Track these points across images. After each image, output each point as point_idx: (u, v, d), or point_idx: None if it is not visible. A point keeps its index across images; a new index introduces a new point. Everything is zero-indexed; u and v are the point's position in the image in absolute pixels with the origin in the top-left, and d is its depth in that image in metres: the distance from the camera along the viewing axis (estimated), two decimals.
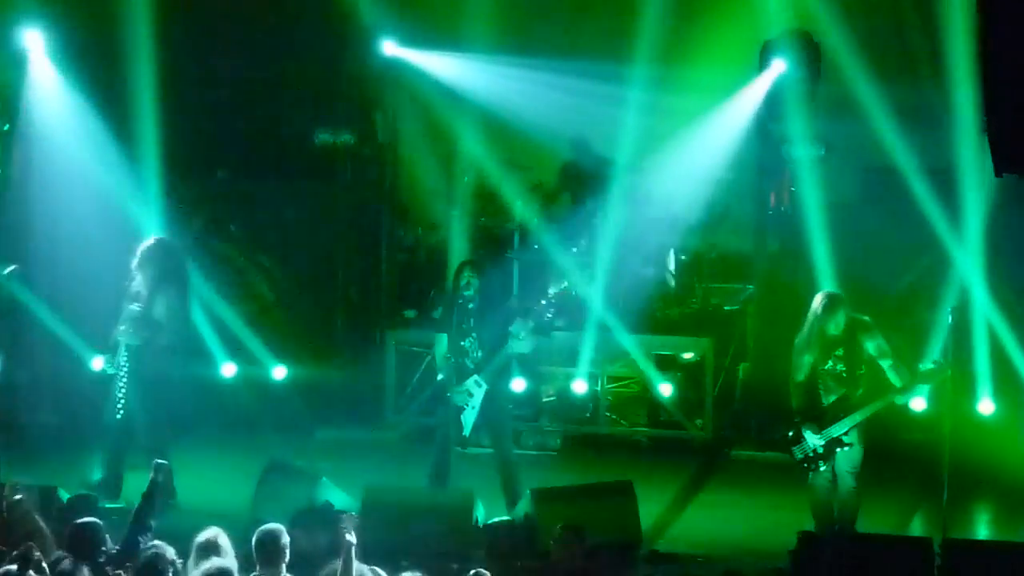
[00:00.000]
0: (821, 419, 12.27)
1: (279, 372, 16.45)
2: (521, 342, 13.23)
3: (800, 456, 12.38)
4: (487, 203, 17.51)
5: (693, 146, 17.80)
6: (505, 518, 12.85)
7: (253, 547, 9.94)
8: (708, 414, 16.25)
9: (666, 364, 16.71)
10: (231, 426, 16.00)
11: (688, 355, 16.57)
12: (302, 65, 16.94)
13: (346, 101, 16.94)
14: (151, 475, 10.45)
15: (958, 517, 13.00)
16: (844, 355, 12.27)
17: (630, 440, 16.37)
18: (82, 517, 10.79)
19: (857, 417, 12.20)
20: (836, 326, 12.26)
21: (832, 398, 12.30)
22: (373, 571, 9.68)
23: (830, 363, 12.29)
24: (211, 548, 9.93)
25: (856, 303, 15.74)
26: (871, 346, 12.26)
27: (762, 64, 16.38)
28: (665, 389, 16.05)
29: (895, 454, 13.59)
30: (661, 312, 16.82)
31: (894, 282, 15.63)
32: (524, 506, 12.87)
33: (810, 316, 12.45)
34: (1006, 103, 9.86)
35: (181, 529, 11.17)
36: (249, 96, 16.94)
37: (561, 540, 10.79)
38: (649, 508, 13.40)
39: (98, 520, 10.21)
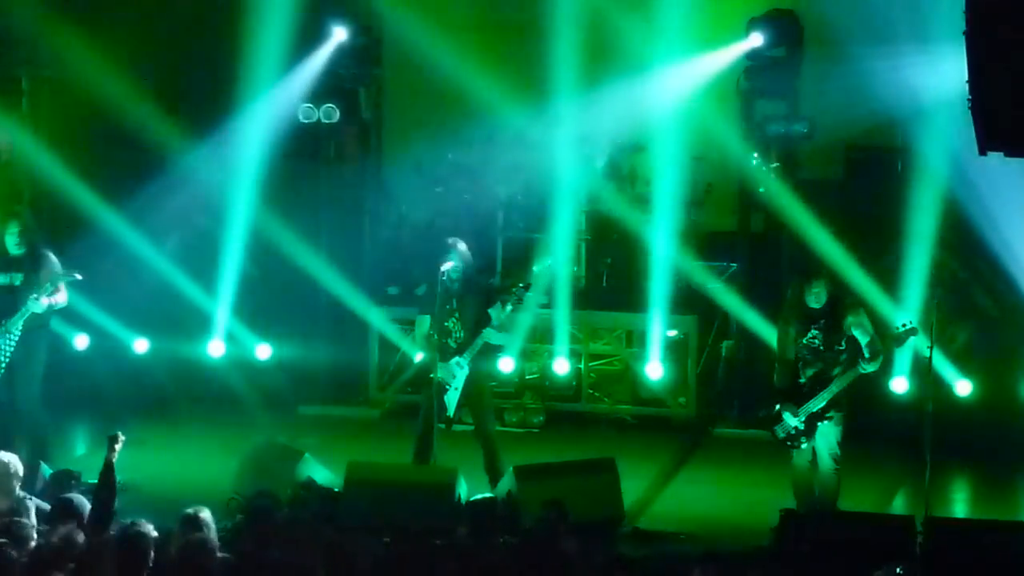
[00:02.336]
0: (799, 397, 12.29)
1: (263, 351, 16.42)
2: (502, 325, 13.25)
3: (782, 435, 12.39)
4: (471, 180, 17.48)
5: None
6: (488, 495, 12.86)
7: (243, 517, 9.98)
8: (691, 392, 16.27)
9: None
10: (215, 403, 16.00)
11: (671, 333, 16.57)
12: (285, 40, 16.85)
13: (331, 77, 16.86)
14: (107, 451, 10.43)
15: (940, 495, 13.07)
16: (823, 329, 12.27)
17: (613, 417, 16.37)
18: (65, 492, 10.82)
19: (833, 389, 12.22)
20: (816, 299, 12.26)
21: (810, 372, 12.32)
22: None
23: (807, 337, 12.30)
24: (194, 524, 9.94)
25: (838, 280, 15.87)
26: (851, 323, 12.27)
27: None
28: (653, 371, 15.99)
29: (878, 434, 13.55)
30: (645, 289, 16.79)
31: (877, 260, 15.62)
32: (506, 483, 12.88)
33: (789, 292, 12.45)
34: (992, 80, 9.86)
35: (165, 505, 11.21)
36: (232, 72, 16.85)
37: (542, 517, 10.79)
38: (631, 485, 13.41)
39: (80, 496, 10.22)
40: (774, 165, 16.35)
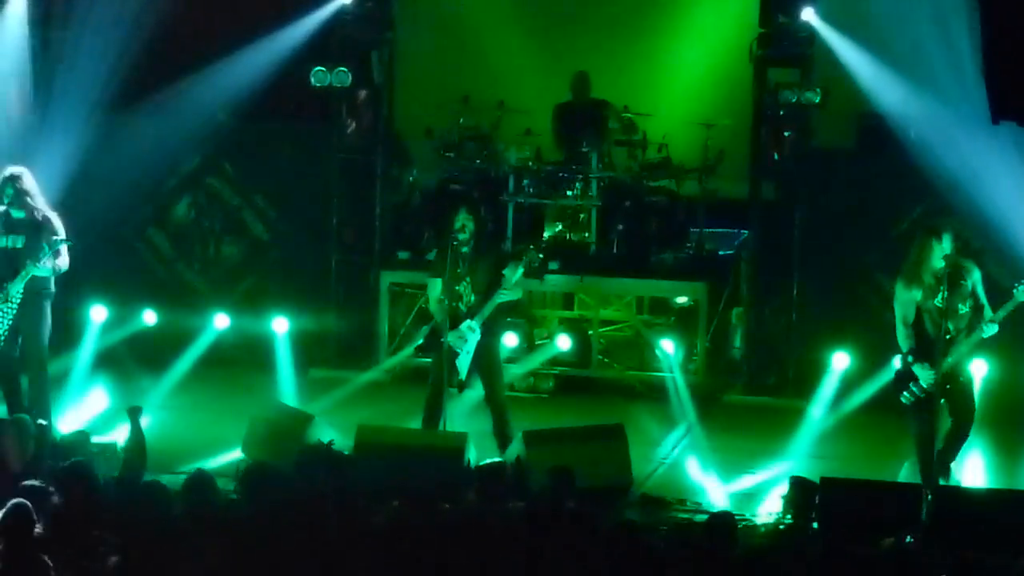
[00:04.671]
0: (931, 356, 12.18)
1: (280, 324, 16.20)
2: (513, 286, 13.25)
3: (910, 399, 12.30)
4: (482, 145, 17.47)
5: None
6: (497, 460, 12.86)
7: (241, 482, 10.07)
8: (701, 359, 16.25)
9: (660, 308, 16.72)
10: (224, 365, 16.00)
11: (682, 299, 16.57)
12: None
13: (342, 40, 16.82)
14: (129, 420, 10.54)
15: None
16: (948, 289, 12.09)
17: (622, 384, 16.36)
18: (75, 455, 10.88)
19: (962, 350, 12.16)
20: (942, 258, 12.11)
21: (935, 333, 12.15)
22: None
23: (937, 299, 12.12)
24: (198, 484, 10.03)
25: (851, 249, 15.84)
26: (973, 282, 12.14)
27: (764, 7, 16.29)
28: (667, 345, 15.93)
29: (894, 408, 13.41)
30: (656, 256, 16.80)
31: (890, 229, 15.60)
32: (515, 448, 12.90)
33: (914, 250, 12.34)
34: (1006, 51, 9.84)
35: (174, 468, 11.29)
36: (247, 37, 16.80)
37: (550, 483, 10.81)
38: (640, 452, 13.44)
39: (88, 461, 10.31)
40: (787, 133, 16.32)
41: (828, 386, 14.65)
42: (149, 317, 16.27)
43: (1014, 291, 12.06)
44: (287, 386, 15.24)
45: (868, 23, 15.62)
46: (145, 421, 11.17)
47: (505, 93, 17.70)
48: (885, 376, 13.77)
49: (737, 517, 10.86)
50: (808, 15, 15.84)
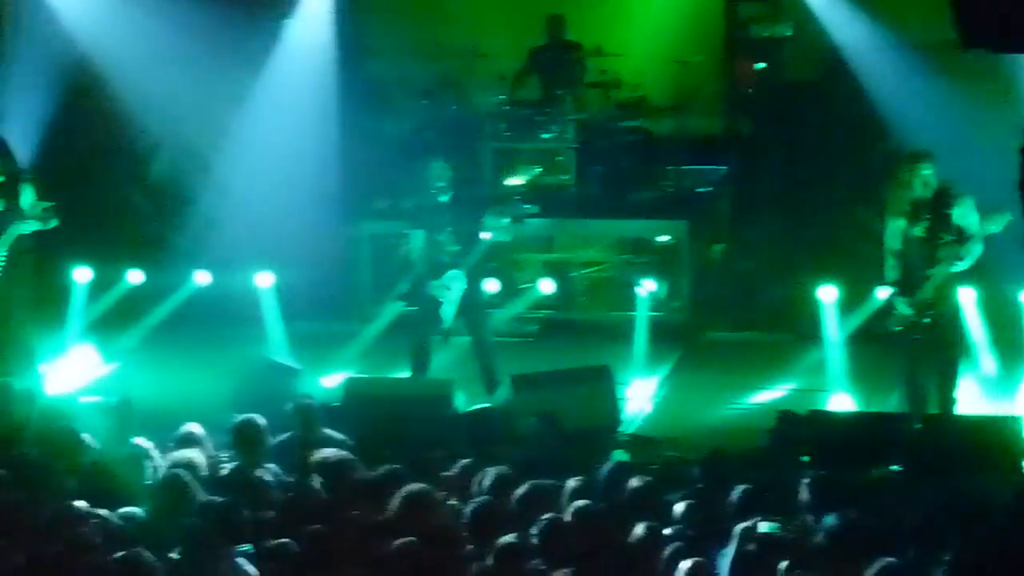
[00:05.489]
0: (911, 287, 12.20)
1: (265, 279, 16.03)
2: (497, 232, 13.27)
3: (897, 328, 12.35)
4: (456, 91, 17.45)
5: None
6: (484, 405, 12.92)
7: (231, 437, 10.12)
8: (684, 296, 16.29)
9: (641, 248, 16.74)
10: (209, 322, 15.94)
11: (663, 238, 16.59)
12: None
13: None
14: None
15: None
16: (931, 219, 12.04)
17: (606, 324, 16.38)
18: (63, 418, 10.90)
19: (938, 279, 12.10)
20: (924, 186, 12.04)
21: (918, 263, 12.14)
22: None
23: (918, 228, 12.08)
24: (188, 441, 10.09)
25: (824, 181, 15.89)
26: (957, 214, 12.06)
27: None
28: (649, 285, 15.96)
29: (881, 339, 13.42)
30: (635, 196, 16.82)
31: (862, 159, 15.63)
32: (503, 393, 12.96)
33: (897, 180, 12.30)
34: None
35: (163, 424, 11.31)
36: None
37: (535, 427, 10.89)
38: (628, 392, 13.49)
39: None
40: (760, 67, 16.33)
41: (828, 319, 14.53)
42: (135, 276, 16.13)
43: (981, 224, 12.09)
44: (274, 341, 15.22)
45: None
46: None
47: (477, 37, 17.68)
48: (868, 307, 13.85)
49: (727, 453, 10.94)
50: None
